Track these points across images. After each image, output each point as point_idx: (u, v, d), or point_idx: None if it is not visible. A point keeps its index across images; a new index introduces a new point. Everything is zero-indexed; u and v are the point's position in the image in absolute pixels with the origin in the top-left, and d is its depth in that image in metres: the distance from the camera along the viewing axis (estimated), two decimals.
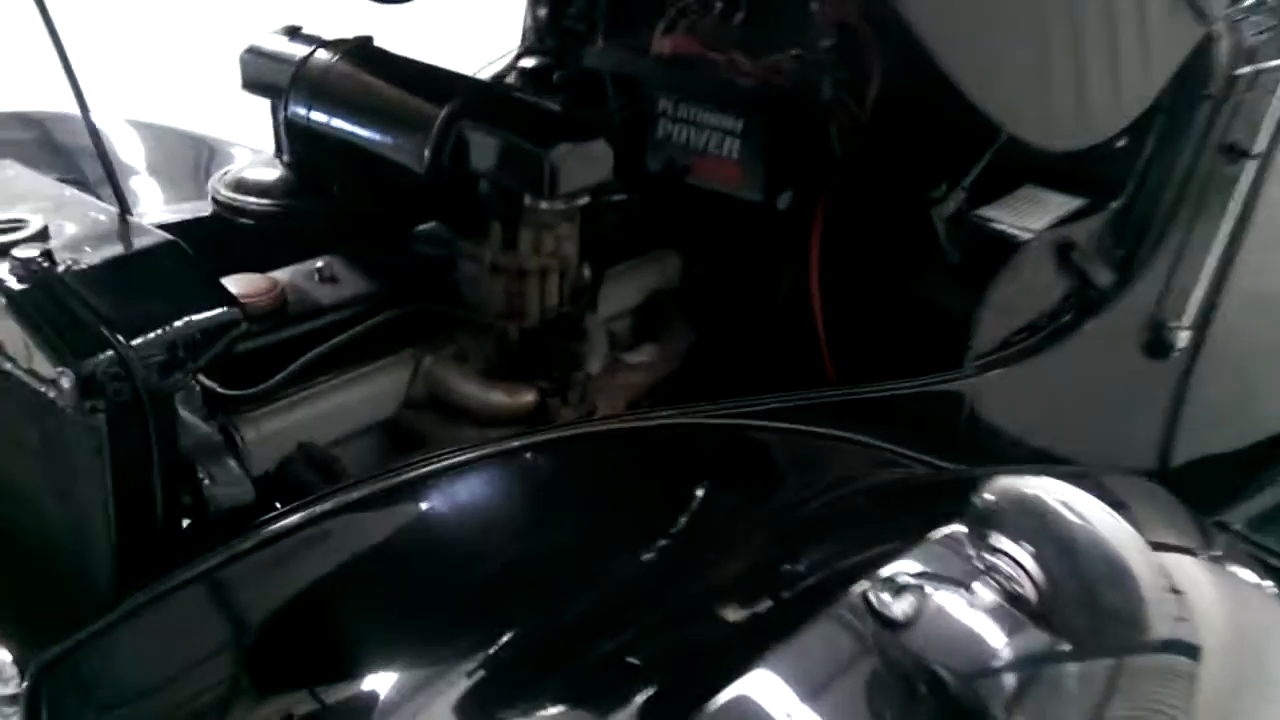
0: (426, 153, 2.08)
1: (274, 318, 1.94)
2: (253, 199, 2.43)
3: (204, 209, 2.40)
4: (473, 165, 2.06)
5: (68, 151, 3.09)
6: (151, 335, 1.46)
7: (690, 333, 2.44)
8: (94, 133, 1.63)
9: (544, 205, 2.02)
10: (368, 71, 2.12)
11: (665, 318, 2.46)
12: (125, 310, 1.48)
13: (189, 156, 3.35)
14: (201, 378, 1.89)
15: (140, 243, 1.58)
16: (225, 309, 1.53)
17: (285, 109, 2.36)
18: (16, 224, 1.57)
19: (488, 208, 2.08)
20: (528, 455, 1.63)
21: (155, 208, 2.95)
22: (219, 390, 1.89)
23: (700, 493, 1.64)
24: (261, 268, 2.21)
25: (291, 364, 1.96)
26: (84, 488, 1.45)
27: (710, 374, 2.36)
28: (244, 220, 2.41)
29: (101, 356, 1.41)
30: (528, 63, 2.63)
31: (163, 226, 1.69)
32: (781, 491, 1.76)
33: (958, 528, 1.41)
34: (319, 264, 2.19)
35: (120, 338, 1.43)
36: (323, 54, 2.28)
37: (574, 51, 2.52)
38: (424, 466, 1.63)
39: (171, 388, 1.48)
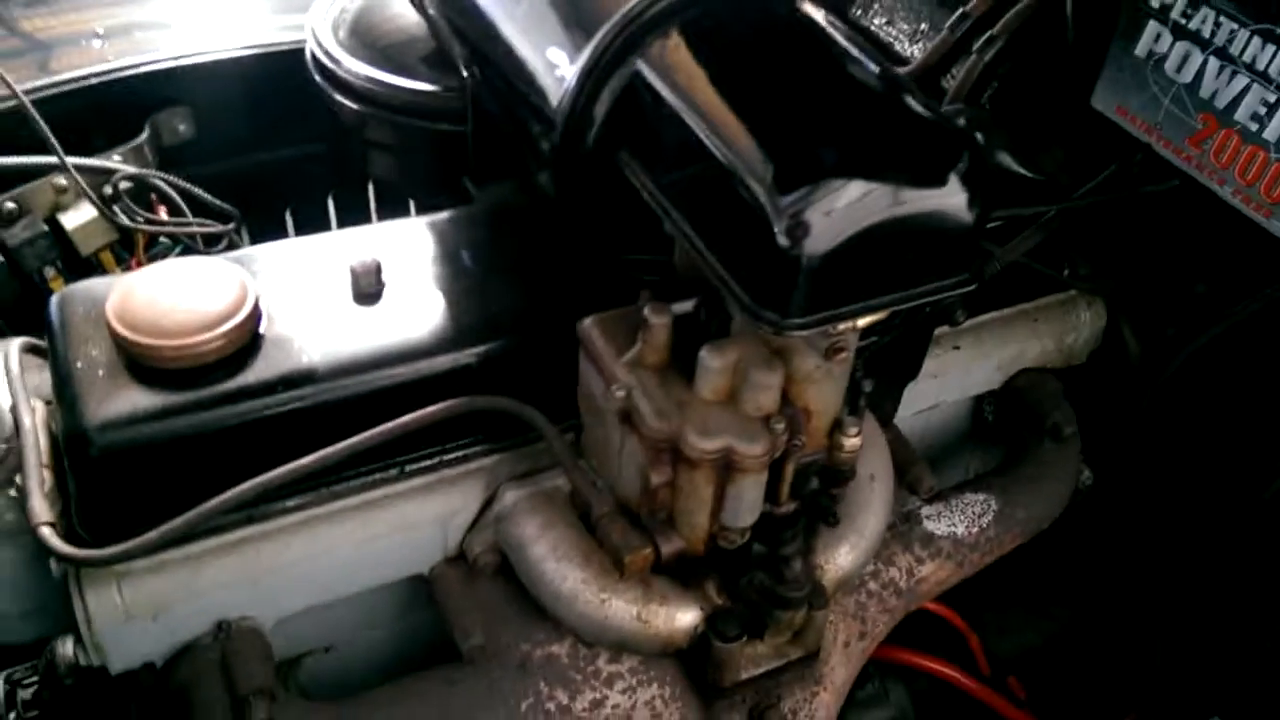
0: (558, 112, 0.93)
1: (224, 373, 1.05)
2: (360, 69, 1.38)
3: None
4: (626, 170, 0.89)
5: None
6: None
7: (1082, 468, 1.46)
8: None
9: (764, 326, 0.83)
10: None
11: (1040, 429, 1.45)
12: None
13: None
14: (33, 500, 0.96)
15: None
16: None
17: None
18: None
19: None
20: None
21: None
22: (51, 542, 0.97)
23: None
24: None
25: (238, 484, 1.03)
26: None
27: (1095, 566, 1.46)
28: (341, 100, 1.38)
29: None
30: None
31: None
32: None
33: None
34: (358, 260, 1.12)
35: None
36: None
37: None
38: None
39: None
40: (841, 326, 0.85)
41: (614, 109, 0.97)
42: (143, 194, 1.47)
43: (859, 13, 1.76)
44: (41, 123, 1.36)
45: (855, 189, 0.80)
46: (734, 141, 0.86)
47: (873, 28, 1.73)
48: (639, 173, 0.96)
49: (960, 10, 1.53)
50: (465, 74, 1.25)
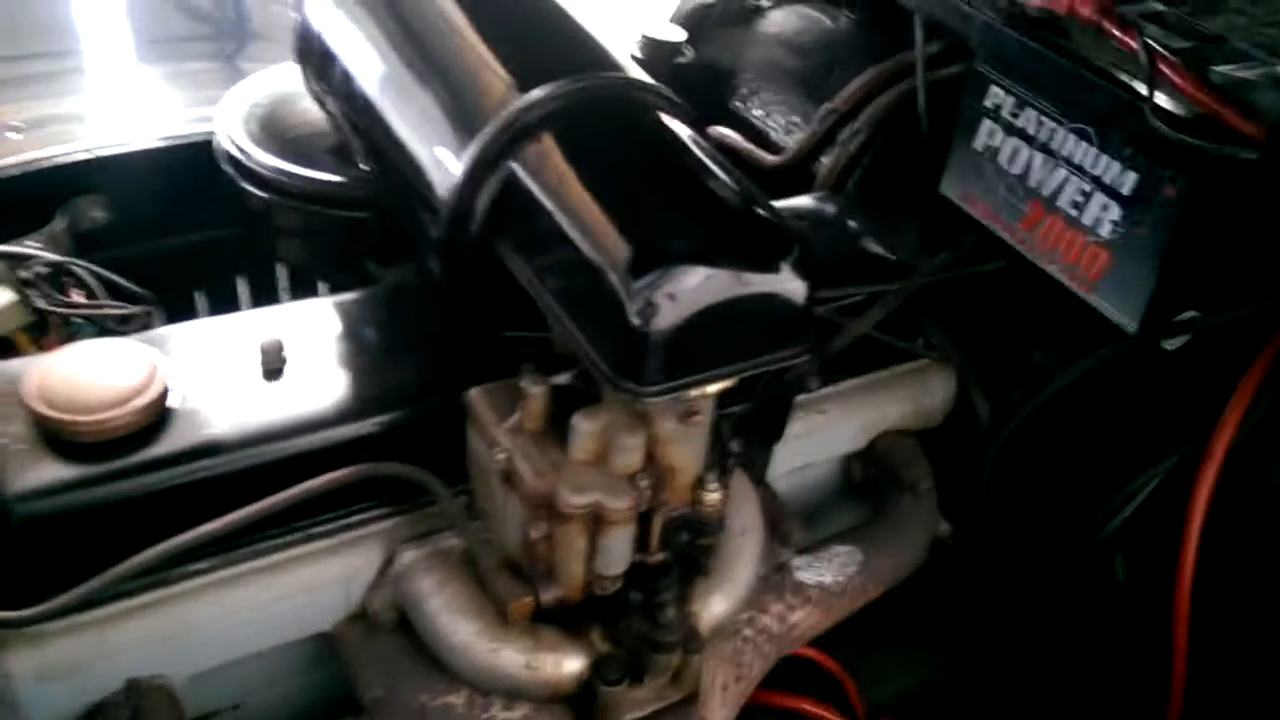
0: (444, 204, 1.04)
1: (135, 446, 1.12)
2: (269, 160, 1.49)
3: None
4: (506, 257, 1.01)
5: None
6: None
7: (939, 521, 1.58)
8: None
9: (623, 395, 0.94)
10: None
11: (897, 486, 1.58)
12: None
13: None
14: None
15: None
16: None
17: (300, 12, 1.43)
18: None
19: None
20: None
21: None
22: None
23: None
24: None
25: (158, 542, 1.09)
26: None
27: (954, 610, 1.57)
28: (251, 189, 1.46)
29: None
30: None
31: None
32: None
33: None
34: (264, 338, 1.21)
35: None
36: None
37: None
38: None
39: None
40: (693, 393, 0.97)
41: (494, 203, 1.09)
42: (58, 276, 1.54)
43: (740, 105, 1.92)
44: None
45: (697, 274, 0.93)
46: (594, 233, 0.98)
47: (752, 118, 1.89)
48: (516, 259, 1.08)
49: (828, 105, 1.70)
50: (364, 167, 1.37)
